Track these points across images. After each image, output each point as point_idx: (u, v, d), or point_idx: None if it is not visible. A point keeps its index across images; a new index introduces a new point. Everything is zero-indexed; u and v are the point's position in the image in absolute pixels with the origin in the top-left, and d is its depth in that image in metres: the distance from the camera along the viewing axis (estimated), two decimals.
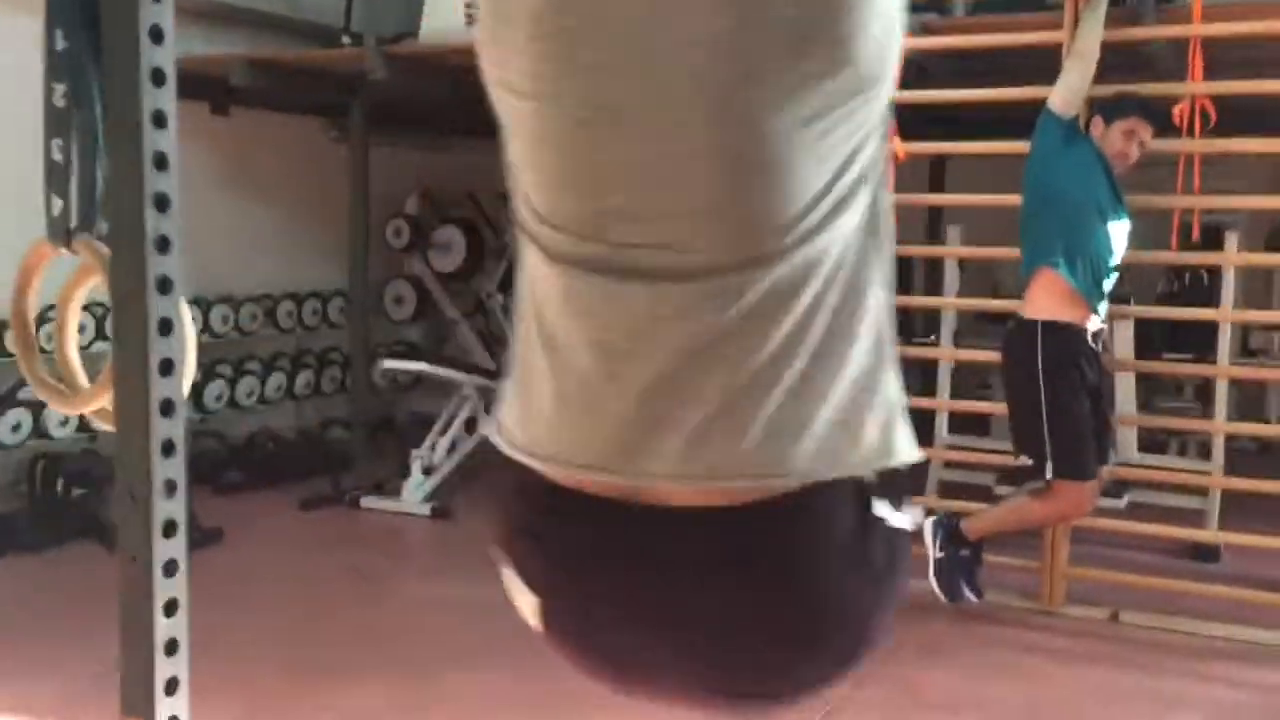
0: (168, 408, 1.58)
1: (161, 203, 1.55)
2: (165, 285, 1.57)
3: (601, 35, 0.96)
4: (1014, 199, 4.58)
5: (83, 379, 1.72)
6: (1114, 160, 3.98)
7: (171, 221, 1.56)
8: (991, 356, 5.84)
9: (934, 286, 5.43)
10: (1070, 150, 3.98)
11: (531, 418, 1.08)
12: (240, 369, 6.63)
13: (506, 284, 7.58)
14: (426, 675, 3.84)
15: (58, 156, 1.62)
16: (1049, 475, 3.98)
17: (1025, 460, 4.04)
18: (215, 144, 6.70)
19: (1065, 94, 4.00)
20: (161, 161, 1.55)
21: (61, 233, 1.64)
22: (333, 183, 6.96)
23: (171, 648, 1.60)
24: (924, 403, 5.43)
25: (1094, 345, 4.01)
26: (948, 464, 5.64)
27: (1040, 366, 3.96)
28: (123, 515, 1.58)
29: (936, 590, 4.27)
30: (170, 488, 1.58)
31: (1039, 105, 4.13)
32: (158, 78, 1.54)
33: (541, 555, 1.11)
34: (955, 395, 5.83)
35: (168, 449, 1.58)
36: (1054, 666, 4.01)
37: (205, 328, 6.47)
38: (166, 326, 1.57)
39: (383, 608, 4.59)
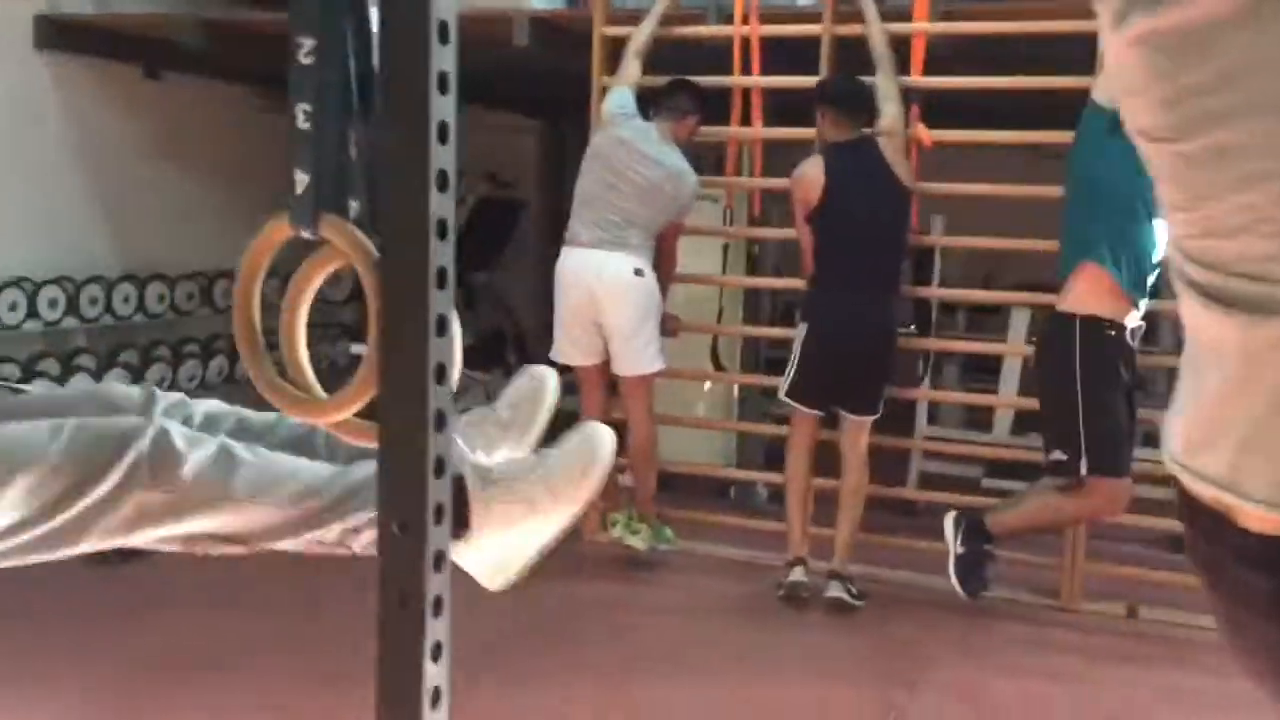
0: (441, 420, 1.35)
1: (443, 182, 1.32)
2: (443, 278, 1.34)
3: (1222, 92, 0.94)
4: (1001, 189, 4.58)
5: (315, 384, 1.47)
6: None
7: (450, 203, 1.34)
8: (974, 348, 5.85)
9: (921, 275, 5.37)
10: (1115, 142, 3.88)
11: (1175, 432, 1.09)
12: (179, 352, 6.23)
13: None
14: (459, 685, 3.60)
15: (305, 124, 1.38)
16: (1084, 472, 3.90)
17: (1059, 456, 3.95)
18: (146, 111, 6.29)
19: (1110, 84, 3.92)
20: (444, 133, 1.32)
21: (307, 213, 1.40)
22: (267, 156, 6.57)
23: (436, 698, 1.38)
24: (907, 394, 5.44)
25: (1132, 342, 3.94)
26: (927, 454, 5.60)
27: (1078, 361, 3.88)
28: (388, 548, 1.35)
29: (956, 587, 4.19)
30: (439, 513, 1.36)
31: (1073, 96, 4.07)
32: (444, 33, 1.31)
33: (1193, 566, 1.11)
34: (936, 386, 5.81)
35: (439, 469, 1.36)
36: (1103, 667, 3.96)
37: (140, 307, 6.07)
38: (443, 325, 1.35)
39: None
